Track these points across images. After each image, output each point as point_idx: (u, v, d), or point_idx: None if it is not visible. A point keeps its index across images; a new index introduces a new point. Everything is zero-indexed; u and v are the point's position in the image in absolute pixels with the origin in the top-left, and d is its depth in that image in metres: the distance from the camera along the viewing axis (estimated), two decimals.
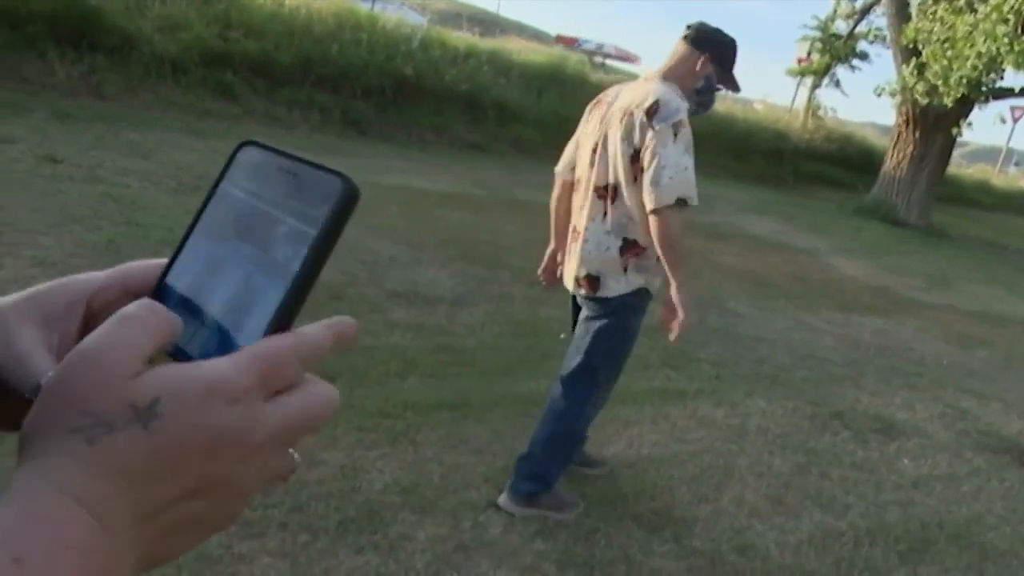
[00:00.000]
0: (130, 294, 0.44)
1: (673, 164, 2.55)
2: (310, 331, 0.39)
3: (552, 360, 4.48)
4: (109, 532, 0.33)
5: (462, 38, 15.61)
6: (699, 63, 2.77)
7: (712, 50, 2.80)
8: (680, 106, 2.62)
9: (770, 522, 3.19)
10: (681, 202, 2.57)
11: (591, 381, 2.88)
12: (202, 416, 0.35)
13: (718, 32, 2.85)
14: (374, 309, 4.59)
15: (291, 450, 0.39)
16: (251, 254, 0.40)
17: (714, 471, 3.53)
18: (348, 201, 0.39)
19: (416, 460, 3.09)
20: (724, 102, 23.86)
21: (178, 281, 0.42)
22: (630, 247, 2.73)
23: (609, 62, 29.32)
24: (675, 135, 2.57)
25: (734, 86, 2.90)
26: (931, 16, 14.03)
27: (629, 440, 3.64)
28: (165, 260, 0.43)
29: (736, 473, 3.54)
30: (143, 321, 0.37)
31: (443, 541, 2.63)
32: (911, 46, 14.63)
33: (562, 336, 4.87)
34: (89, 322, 0.44)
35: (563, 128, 15.08)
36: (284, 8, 11.71)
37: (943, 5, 13.79)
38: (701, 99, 2.82)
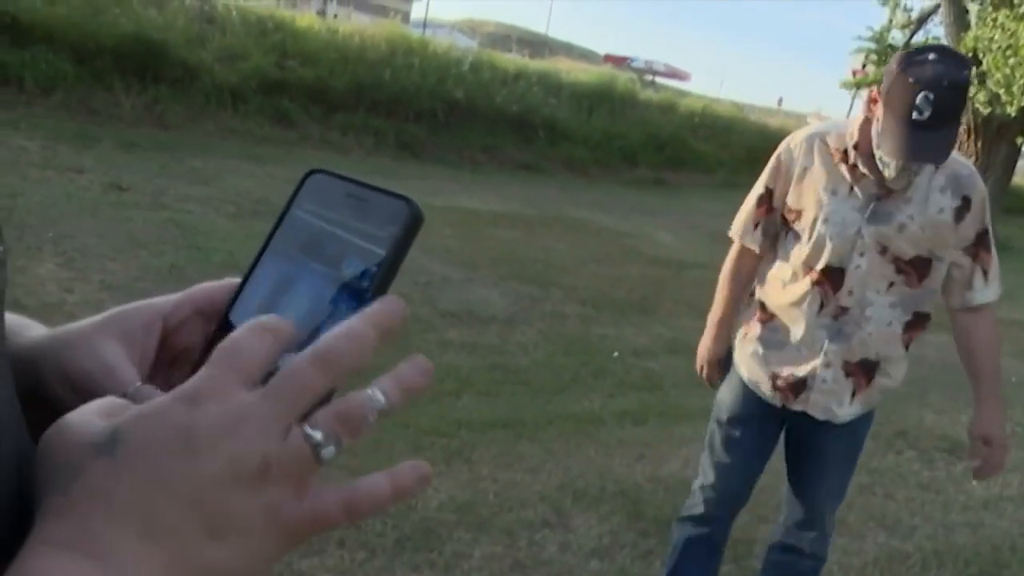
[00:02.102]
0: (201, 314, 0.46)
1: None
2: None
3: (605, 378, 4.46)
4: (115, 566, 0.32)
5: (512, 60, 15.78)
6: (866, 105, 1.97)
7: (883, 83, 1.89)
8: (787, 139, 2.14)
9: (833, 544, 3.12)
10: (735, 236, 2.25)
11: None
12: (165, 422, 0.33)
13: (903, 57, 1.88)
14: (428, 328, 4.64)
15: (307, 427, 0.35)
16: (322, 272, 0.41)
17: (773, 491, 3.45)
18: (414, 222, 0.41)
19: (471, 478, 3.10)
20: (777, 116, 23.58)
21: (251, 300, 0.43)
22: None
23: (659, 80, 29.28)
24: None
25: (890, 152, 1.85)
26: (991, 23, 13.69)
27: (685, 459, 3.60)
28: (234, 280, 0.45)
29: None
30: (99, 400, 0.38)
31: (499, 559, 2.64)
32: (971, 55, 14.29)
33: (615, 354, 4.85)
34: (165, 341, 0.46)
35: (613, 147, 15.01)
36: (338, 36, 11.99)
37: (1004, 12, 13.45)
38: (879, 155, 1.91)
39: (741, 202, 2.23)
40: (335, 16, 18.16)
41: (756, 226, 2.18)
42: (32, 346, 0.46)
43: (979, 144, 15.34)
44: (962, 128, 15.56)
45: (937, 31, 18.44)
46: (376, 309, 0.37)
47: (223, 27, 10.97)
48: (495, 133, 12.44)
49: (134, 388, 0.42)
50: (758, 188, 2.17)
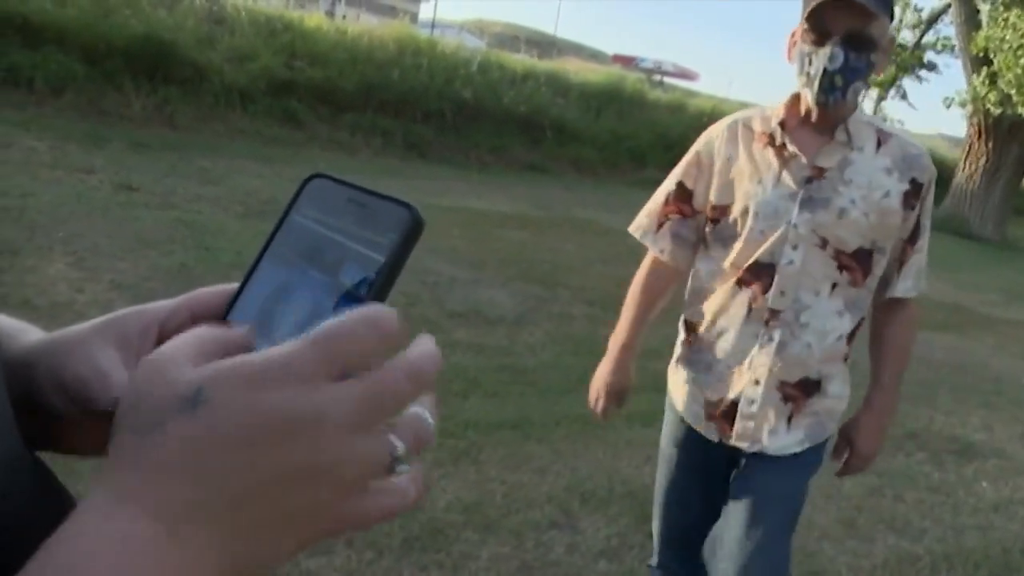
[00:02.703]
0: (198, 319, 0.45)
1: None
2: (379, 308, 0.37)
3: None
4: (173, 531, 0.32)
5: (520, 60, 15.79)
6: None
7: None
8: (707, 131, 1.93)
9: (842, 546, 3.10)
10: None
11: None
12: (251, 398, 0.33)
13: None
14: (436, 329, 4.64)
15: (393, 438, 0.35)
16: (320, 280, 0.40)
17: None
18: (415, 229, 0.40)
19: (479, 479, 3.10)
20: None
21: (249, 305, 0.43)
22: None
23: (668, 80, 29.24)
24: None
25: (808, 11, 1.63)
26: (1003, 23, 13.63)
27: None
28: (232, 286, 0.44)
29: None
30: (193, 333, 0.37)
31: (506, 560, 2.64)
32: (982, 55, 14.24)
33: None
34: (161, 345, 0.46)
35: (621, 147, 15.02)
36: (347, 36, 12.02)
37: (1016, 11, 13.38)
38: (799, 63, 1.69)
39: None
40: (343, 17, 18.21)
41: (660, 226, 1.89)
42: (27, 351, 0.45)
43: (990, 145, 15.28)
44: (973, 130, 15.55)
45: (948, 31, 18.39)
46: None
47: (232, 28, 11.00)
48: (503, 133, 12.45)
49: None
50: (668, 183, 1.91)
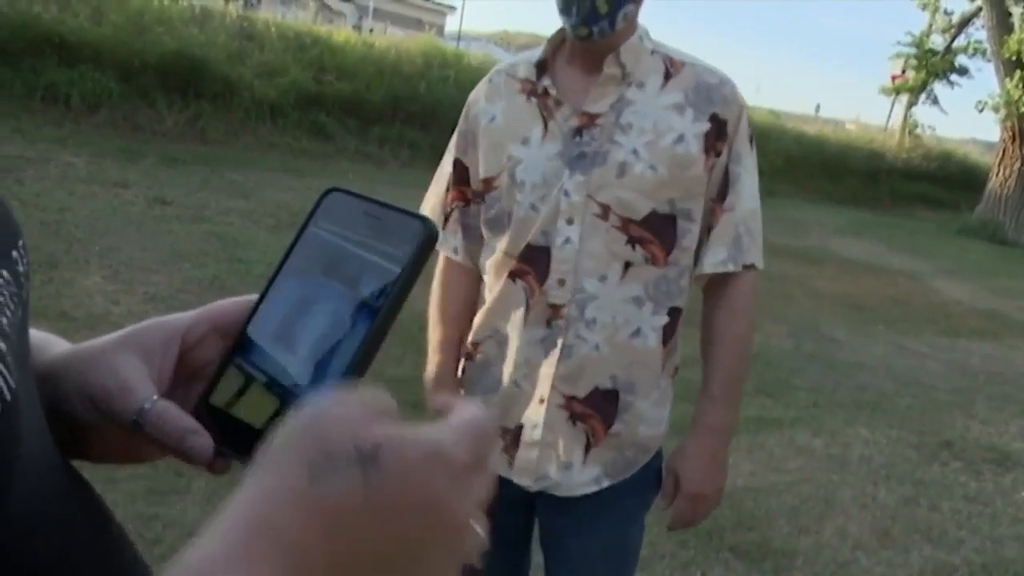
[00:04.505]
0: (218, 330, 0.47)
1: None
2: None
3: None
4: None
5: None
6: None
7: None
8: None
9: (876, 556, 3.06)
10: None
11: None
12: (420, 478, 0.33)
13: None
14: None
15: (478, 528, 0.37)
16: (338, 291, 0.42)
17: (815, 502, 3.41)
18: (428, 241, 0.41)
19: None
20: (815, 123, 23.39)
21: (269, 317, 0.44)
22: None
23: None
24: None
25: None
26: None
27: None
28: (251, 297, 0.46)
29: (838, 504, 3.42)
30: (374, 395, 0.37)
31: (536, 569, 2.63)
32: (1014, 58, 14.03)
33: None
34: (183, 357, 0.47)
35: None
36: (374, 50, 12.14)
37: None
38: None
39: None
40: (371, 30, 18.38)
41: (448, 220, 1.49)
42: (52, 363, 0.46)
43: (1023, 149, 15.03)
44: (1006, 134, 15.31)
45: (979, 35, 18.15)
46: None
47: (262, 43, 11.16)
48: None
49: (151, 402, 0.43)
50: (445, 164, 1.51)
